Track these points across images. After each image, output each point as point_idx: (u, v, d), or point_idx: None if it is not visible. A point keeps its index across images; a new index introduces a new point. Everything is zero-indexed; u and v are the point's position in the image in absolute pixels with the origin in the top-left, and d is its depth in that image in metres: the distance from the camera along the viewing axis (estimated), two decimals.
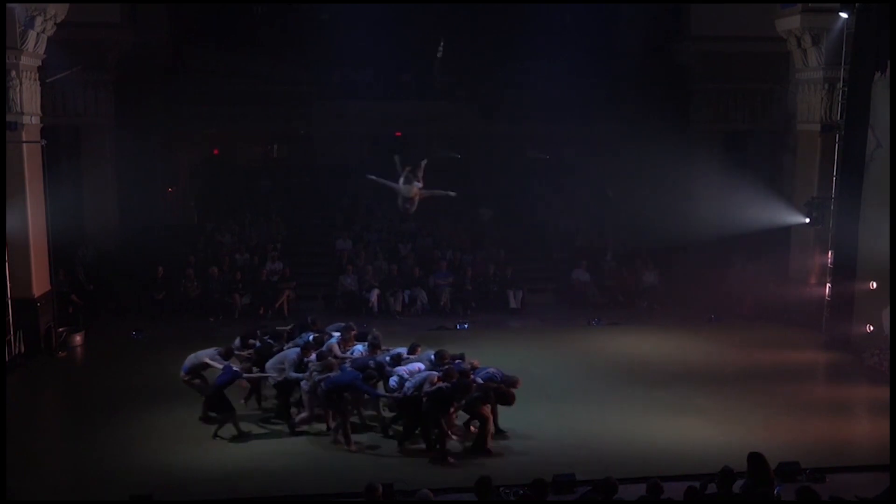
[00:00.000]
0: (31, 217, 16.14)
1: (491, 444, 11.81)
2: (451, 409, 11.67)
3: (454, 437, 11.93)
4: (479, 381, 12.01)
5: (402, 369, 12.34)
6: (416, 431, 11.95)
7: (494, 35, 25.19)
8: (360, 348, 13.33)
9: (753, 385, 14.63)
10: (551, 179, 26.17)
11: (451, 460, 11.36)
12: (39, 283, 16.48)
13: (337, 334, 13.82)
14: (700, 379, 15.00)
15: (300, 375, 12.43)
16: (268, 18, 25.15)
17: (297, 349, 12.87)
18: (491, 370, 12.36)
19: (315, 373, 12.17)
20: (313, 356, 12.67)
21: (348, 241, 22.15)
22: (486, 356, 16.41)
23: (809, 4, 18.08)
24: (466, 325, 19.12)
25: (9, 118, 15.36)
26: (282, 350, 13.11)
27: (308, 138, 26.37)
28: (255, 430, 12.55)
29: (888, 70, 15.94)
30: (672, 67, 22.99)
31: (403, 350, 13.13)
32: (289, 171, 26.52)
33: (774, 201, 19.56)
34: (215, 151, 26.71)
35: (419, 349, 13.19)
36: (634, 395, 14.10)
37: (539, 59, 24.07)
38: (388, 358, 12.83)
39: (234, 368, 12.42)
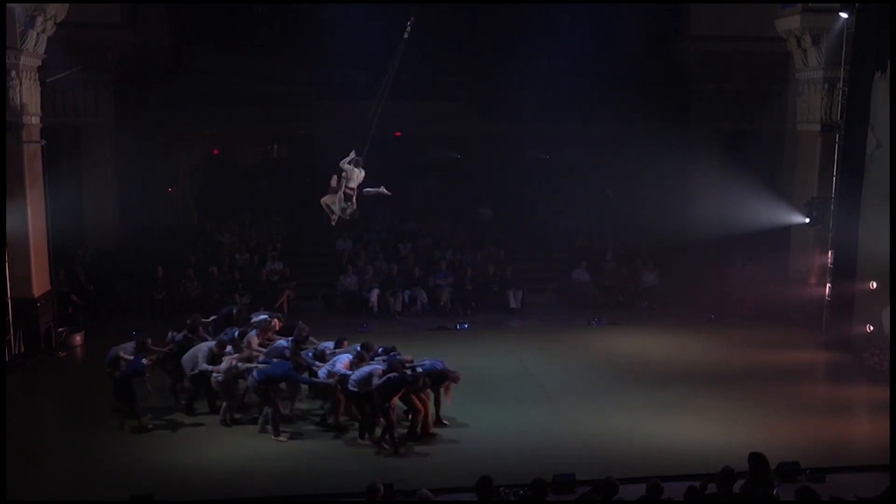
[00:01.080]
0: (31, 217, 16.14)
1: (433, 428, 12.29)
2: (392, 399, 11.95)
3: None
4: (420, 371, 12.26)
5: (339, 366, 12.45)
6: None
7: (494, 35, 25.19)
8: (283, 343, 13.42)
9: (753, 385, 14.63)
10: (551, 179, 26.17)
11: (402, 449, 11.76)
12: (39, 283, 16.47)
13: (264, 316, 14.11)
14: (700, 379, 15.00)
15: (211, 367, 12.64)
16: (268, 18, 25.15)
17: (212, 342, 13.12)
18: (428, 363, 12.45)
19: (238, 364, 12.49)
20: (229, 348, 12.91)
21: (348, 241, 22.15)
22: (486, 356, 16.52)
23: (809, 4, 18.07)
24: (466, 325, 19.12)
25: (9, 118, 15.36)
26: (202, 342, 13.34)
27: (308, 138, 26.37)
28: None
29: (888, 70, 15.95)
30: (672, 67, 22.99)
31: (329, 344, 13.40)
32: (289, 171, 26.52)
33: (774, 201, 19.56)
34: (215, 151, 26.71)
35: (346, 343, 13.44)
36: (634, 395, 14.10)
37: (539, 58, 24.04)
38: (310, 353, 13.06)
39: (143, 361, 12.64)
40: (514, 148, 26.22)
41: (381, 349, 12.88)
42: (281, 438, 12.09)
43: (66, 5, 16.44)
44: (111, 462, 11.47)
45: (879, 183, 16.11)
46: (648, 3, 23.82)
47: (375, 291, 20.17)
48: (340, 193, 13.97)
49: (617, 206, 24.86)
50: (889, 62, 15.84)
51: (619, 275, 21.55)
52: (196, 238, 22.32)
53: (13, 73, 15.49)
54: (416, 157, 26.54)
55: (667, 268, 21.70)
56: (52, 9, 16.03)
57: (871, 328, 16.51)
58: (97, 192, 20.81)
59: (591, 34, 24.21)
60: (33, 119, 16.37)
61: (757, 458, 8.78)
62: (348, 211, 14.05)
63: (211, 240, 22.23)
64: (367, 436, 12.07)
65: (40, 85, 16.73)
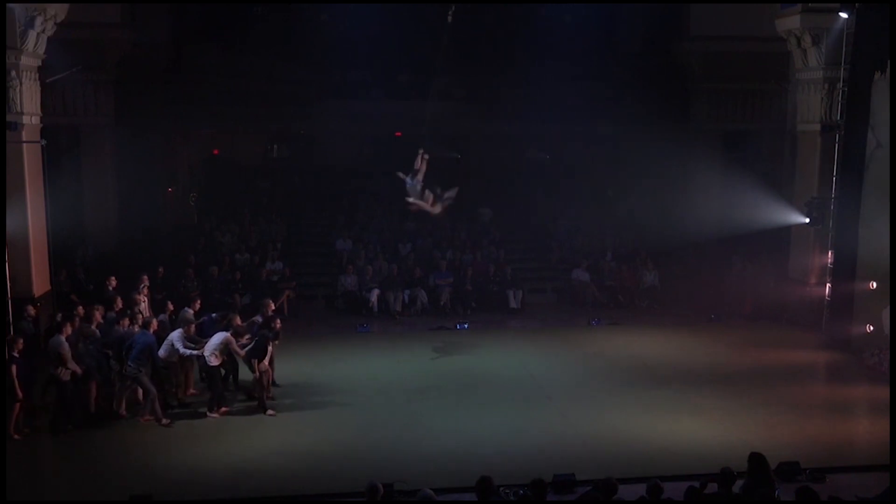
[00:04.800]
0: (31, 217, 16.12)
1: (271, 391, 13.68)
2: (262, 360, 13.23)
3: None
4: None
5: (179, 345, 13.17)
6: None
7: (495, 35, 25.19)
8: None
9: (753, 385, 14.63)
10: (551, 179, 26.16)
11: (271, 412, 13.04)
12: (39, 283, 16.47)
13: None
14: (700, 379, 15.01)
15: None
16: (268, 18, 25.13)
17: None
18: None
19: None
20: None
21: (348, 241, 22.16)
22: (486, 356, 16.51)
23: (809, 4, 18.05)
24: (466, 325, 19.11)
25: (9, 118, 15.34)
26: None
27: (308, 138, 26.35)
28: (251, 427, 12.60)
29: (888, 70, 15.95)
30: (672, 67, 22.98)
31: (164, 316, 14.55)
32: (289, 171, 26.54)
33: (774, 201, 19.56)
34: (215, 151, 26.71)
35: (170, 304, 14.95)
36: (634, 395, 14.10)
37: (539, 58, 24.04)
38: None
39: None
40: (514, 148, 26.20)
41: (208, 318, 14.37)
42: (144, 420, 12.74)
43: (66, 5, 16.43)
44: (111, 462, 11.48)
45: (879, 183, 16.12)
46: (648, 3, 23.82)
47: (375, 291, 20.18)
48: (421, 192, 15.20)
49: (617, 205, 24.85)
50: (889, 62, 15.84)
51: (619, 275, 21.55)
52: (196, 238, 22.31)
53: (13, 73, 15.48)
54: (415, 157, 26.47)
55: (667, 268, 21.70)
56: (52, 9, 16.01)
57: (871, 328, 16.52)
58: (97, 192, 20.76)
59: (591, 34, 24.21)
60: (33, 119, 16.36)
61: (757, 459, 8.78)
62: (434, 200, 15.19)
63: (211, 240, 22.23)
64: (215, 409, 13.05)
65: (40, 85, 16.72)
